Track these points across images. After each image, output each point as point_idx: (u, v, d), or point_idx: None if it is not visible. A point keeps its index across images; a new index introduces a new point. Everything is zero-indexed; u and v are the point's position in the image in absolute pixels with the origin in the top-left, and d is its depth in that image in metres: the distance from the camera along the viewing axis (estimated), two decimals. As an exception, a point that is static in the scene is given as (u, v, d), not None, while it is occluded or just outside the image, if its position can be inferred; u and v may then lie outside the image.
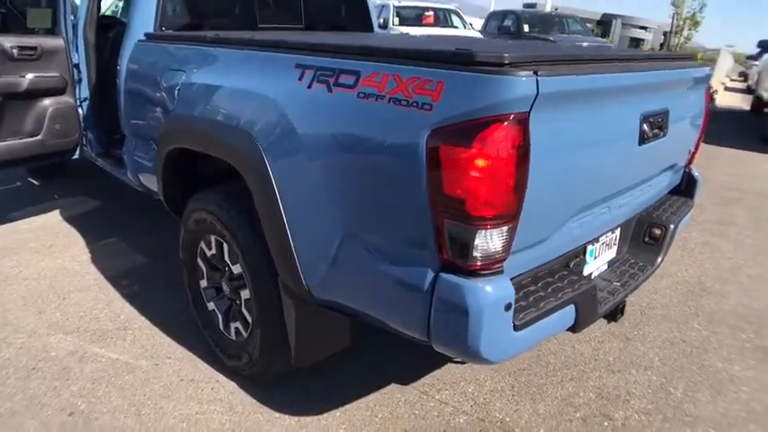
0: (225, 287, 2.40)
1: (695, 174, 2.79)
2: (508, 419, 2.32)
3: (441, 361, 2.64)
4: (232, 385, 2.40)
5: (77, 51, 3.42)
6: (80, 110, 3.48)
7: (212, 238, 2.34)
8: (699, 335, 3.03)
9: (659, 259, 2.43)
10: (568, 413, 2.38)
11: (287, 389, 2.38)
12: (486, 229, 1.46)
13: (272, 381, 2.37)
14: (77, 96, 3.46)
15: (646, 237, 2.47)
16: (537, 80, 1.41)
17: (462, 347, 1.53)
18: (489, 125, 1.39)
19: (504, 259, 1.54)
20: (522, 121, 1.42)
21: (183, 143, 2.32)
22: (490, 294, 1.48)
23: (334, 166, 1.68)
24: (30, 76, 3.20)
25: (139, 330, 2.77)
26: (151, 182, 2.84)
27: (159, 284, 3.19)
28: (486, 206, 1.43)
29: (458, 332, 1.51)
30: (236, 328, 2.37)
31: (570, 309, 1.78)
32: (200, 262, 2.49)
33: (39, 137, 3.32)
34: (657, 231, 2.46)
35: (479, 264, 1.49)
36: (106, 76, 3.56)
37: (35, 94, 3.25)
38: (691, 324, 3.13)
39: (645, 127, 1.97)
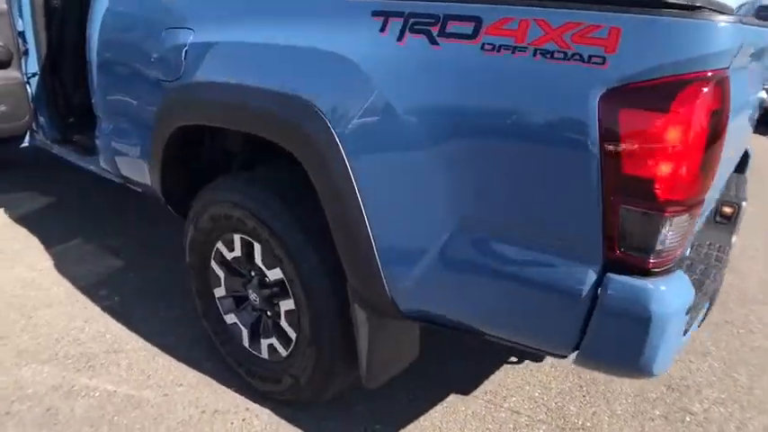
0: (252, 296, 1.98)
1: (748, 148, 2.60)
2: (589, 424, 2.06)
3: (493, 364, 2.34)
4: (267, 413, 2.00)
5: (22, 16, 2.82)
6: (28, 87, 2.88)
7: (236, 237, 1.91)
8: (738, 314, 2.89)
9: (734, 239, 2.22)
10: (647, 411, 2.15)
11: (333, 412, 2.00)
12: (674, 216, 1.15)
13: (314, 404, 1.99)
14: (24, 71, 2.86)
15: (717, 216, 2.25)
16: (743, 29, 1.10)
17: (630, 361, 1.22)
18: (689, 84, 1.07)
19: (679, 254, 1.23)
20: (722, 81, 1.12)
21: (196, 119, 1.86)
22: (677, 297, 1.17)
23: (444, 142, 1.31)
24: (-36, 45, 2.59)
25: (134, 352, 2.29)
26: (138, 171, 2.34)
27: (147, 293, 2.70)
28: (678, 188, 1.12)
29: (628, 345, 1.20)
30: (271, 345, 1.96)
31: (707, 304, 1.52)
32: (215, 267, 2.05)
33: (-21, 121, 2.71)
34: (729, 210, 2.25)
35: (656, 260, 1.18)
36: (60, 45, 2.98)
37: (-28, 68, 2.64)
38: (727, 305, 2.99)
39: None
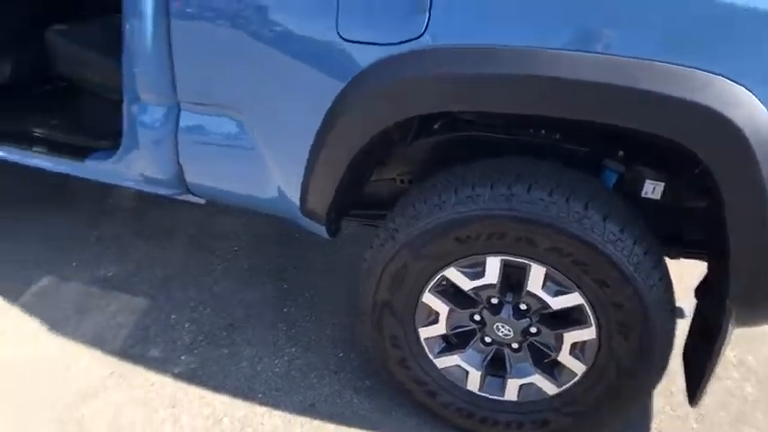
0: (503, 330, 1.51)
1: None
2: None
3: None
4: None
5: None
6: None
7: (493, 260, 1.41)
8: None
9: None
10: None
11: None
12: None
13: None
14: None
15: None
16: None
17: None
18: None
19: None
20: None
21: (462, 103, 1.28)
22: None
23: None
24: None
25: None
26: (242, 180, 1.61)
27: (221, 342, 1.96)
28: None
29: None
30: (526, 385, 1.55)
31: None
32: (431, 300, 1.52)
33: None
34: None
35: None
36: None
37: None
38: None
39: None
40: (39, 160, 1.87)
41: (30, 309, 2.05)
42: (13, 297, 2.09)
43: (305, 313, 2.08)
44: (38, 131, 1.94)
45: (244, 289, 2.20)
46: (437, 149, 1.70)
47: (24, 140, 1.89)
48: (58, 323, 1.99)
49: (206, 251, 2.40)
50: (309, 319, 2.06)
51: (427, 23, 1.22)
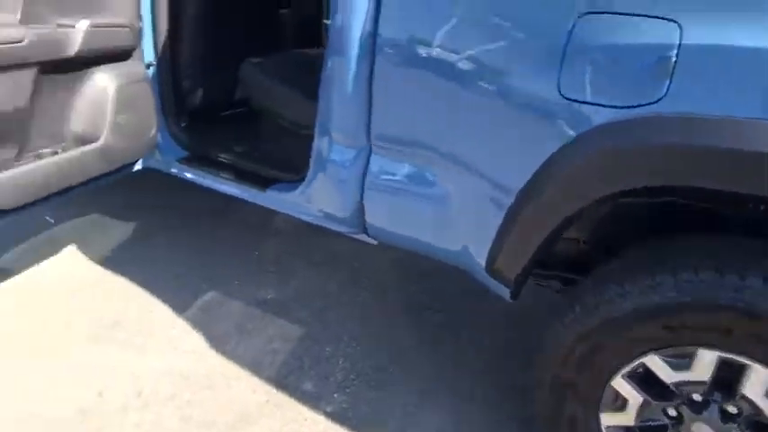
0: (697, 431, 1.33)
1: None
2: None
3: None
4: None
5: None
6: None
7: (706, 353, 1.24)
8: None
9: None
10: None
11: None
12: None
13: None
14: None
15: None
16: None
17: None
18: None
19: None
20: None
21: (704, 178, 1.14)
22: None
23: None
24: (82, 25, 1.57)
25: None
26: (431, 229, 1.57)
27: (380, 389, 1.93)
28: None
29: None
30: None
31: None
32: (622, 386, 1.37)
33: (99, 142, 1.71)
34: None
35: None
36: (176, 19, 2.00)
37: (89, 60, 1.63)
38: None
39: None
40: (226, 186, 1.96)
41: (195, 322, 2.15)
42: (181, 308, 2.21)
43: (454, 361, 2.01)
44: (224, 157, 2.03)
45: (397, 329, 2.17)
46: (626, 213, 1.56)
47: (213, 166, 2.00)
48: (219, 340, 2.07)
49: (363, 286, 2.40)
50: (460, 371, 1.97)
51: (668, 88, 1.10)
